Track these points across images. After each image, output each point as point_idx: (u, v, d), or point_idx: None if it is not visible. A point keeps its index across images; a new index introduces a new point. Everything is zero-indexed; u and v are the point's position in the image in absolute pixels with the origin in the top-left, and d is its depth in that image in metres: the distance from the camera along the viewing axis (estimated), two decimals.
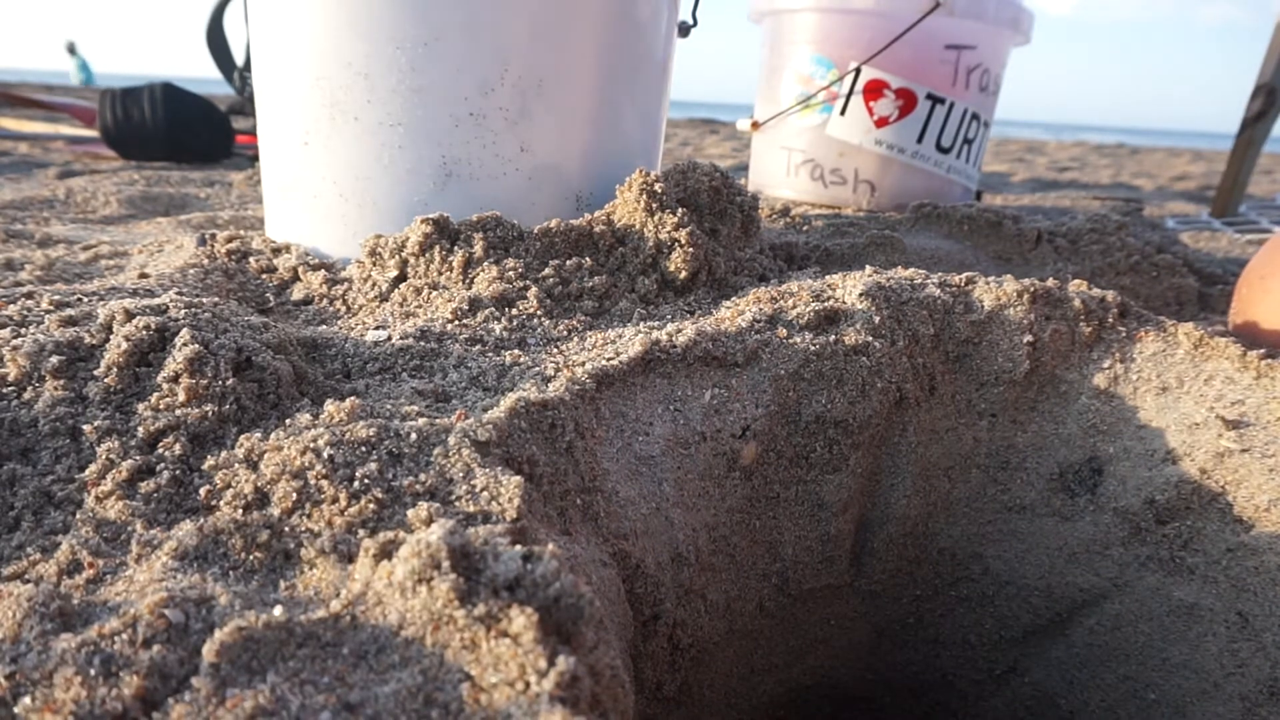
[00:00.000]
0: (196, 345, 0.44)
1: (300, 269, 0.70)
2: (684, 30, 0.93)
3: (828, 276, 0.58)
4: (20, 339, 0.46)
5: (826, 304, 0.52)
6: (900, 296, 0.52)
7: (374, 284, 0.66)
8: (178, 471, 0.38)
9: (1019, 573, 0.47)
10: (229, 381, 0.43)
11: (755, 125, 1.40)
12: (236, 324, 0.49)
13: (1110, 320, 0.50)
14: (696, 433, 0.45)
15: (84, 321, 0.49)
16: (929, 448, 0.49)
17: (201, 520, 0.32)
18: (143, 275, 0.68)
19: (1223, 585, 0.40)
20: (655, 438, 0.44)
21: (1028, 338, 0.50)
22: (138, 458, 0.38)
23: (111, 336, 0.45)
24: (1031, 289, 0.51)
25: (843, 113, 1.28)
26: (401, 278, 0.65)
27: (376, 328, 0.58)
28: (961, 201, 1.35)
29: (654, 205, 0.68)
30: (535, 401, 0.40)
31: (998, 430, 0.49)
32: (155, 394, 0.42)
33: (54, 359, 0.43)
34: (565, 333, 0.56)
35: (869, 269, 0.57)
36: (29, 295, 0.61)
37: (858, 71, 1.24)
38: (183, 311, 0.47)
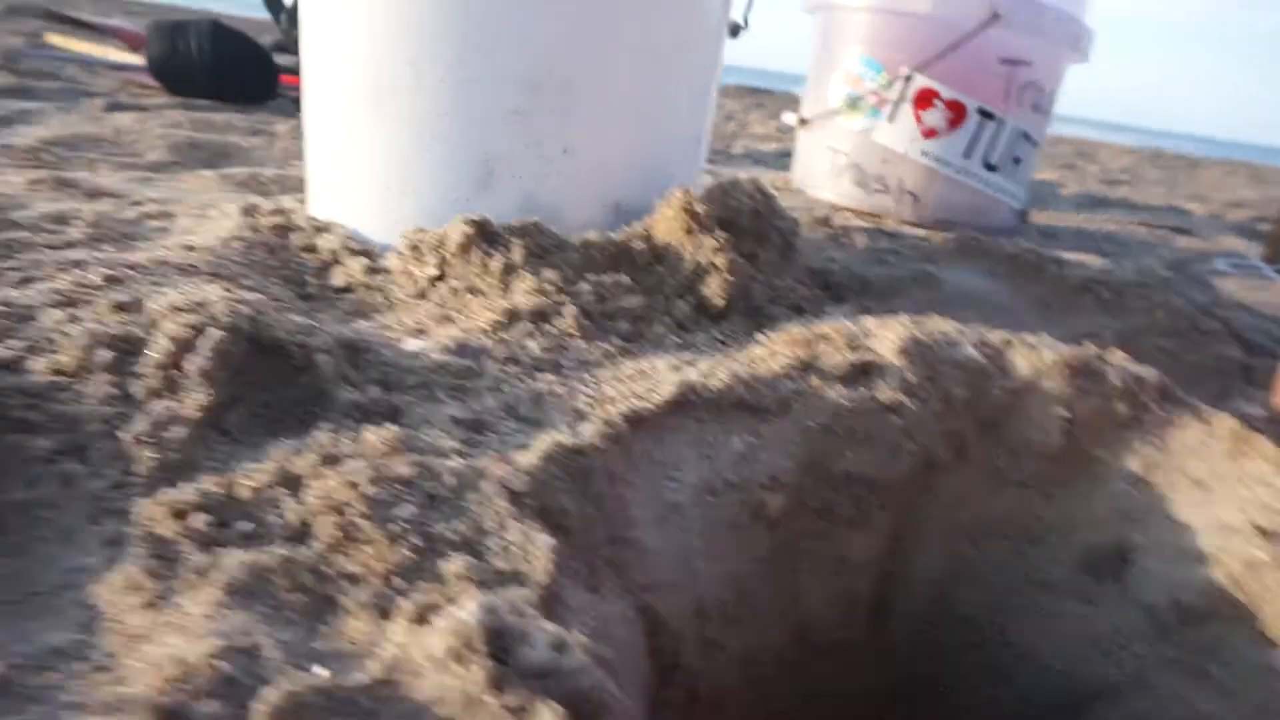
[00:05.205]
0: (240, 347, 0.45)
1: (341, 252, 0.71)
2: (734, 31, 0.92)
3: (864, 319, 0.58)
4: (74, 324, 0.48)
5: (862, 355, 0.52)
6: (937, 354, 0.52)
7: (413, 279, 0.66)
8: (217, 480, 0.39)
9: (1040, 650, 0.48)
10: (265, 383, 0.44)
11: (803, 122, 1.38)
12: (280, 325, 0.49)
13: (1149, 402, 0.49)
14: (725, 480, 0.46)
15: (133, 309, 0.50)
16: (955, 512, 0.50)
17: (247, 553, 0.33)
18: (188, 248, 0.68)
19: (1245, 706, 0.40)
20: (684, 484, 0.45)
21: (1063, 411, 0.49)
22: (177, 462, 0.39)
23: (158, 335, 0.46)
24: (1070, 361, 0.51)
25: (891, 119, 1.25)
26: (440, 276, 0.66)
27: (416, 332, 0.58)
28: (1007, 220, 1.33)
29: (694, 226, 0.67)
30: (569, 447, 0.40)
31: (1026, 502, 0.49)
32: (195, 394, 0.43)
33: (104, 353, 0.45)
34: (599, 357, 0.56)
35: (906, 319, 0.57)
36: (78, 264, 0.62)
37: (909, 78, 1.21)
38: (226, 310, 0.48)
